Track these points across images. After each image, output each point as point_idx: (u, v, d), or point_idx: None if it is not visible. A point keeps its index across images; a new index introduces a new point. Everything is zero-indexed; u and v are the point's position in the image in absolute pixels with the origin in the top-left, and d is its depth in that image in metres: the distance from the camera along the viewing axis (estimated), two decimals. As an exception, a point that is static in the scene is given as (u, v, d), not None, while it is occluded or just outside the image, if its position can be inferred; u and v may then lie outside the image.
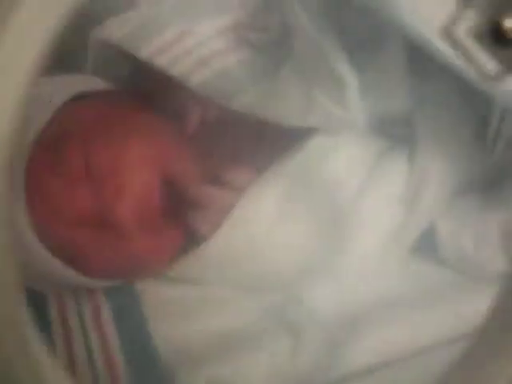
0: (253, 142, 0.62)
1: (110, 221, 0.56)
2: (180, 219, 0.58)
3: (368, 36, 0.56)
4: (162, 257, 0.60)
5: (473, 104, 0.56)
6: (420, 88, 0.58)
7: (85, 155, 0.57)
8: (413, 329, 0.58)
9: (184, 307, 0.61)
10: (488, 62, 0.40)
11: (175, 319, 0.60)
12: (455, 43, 0.40)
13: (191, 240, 0.60)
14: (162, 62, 0.59)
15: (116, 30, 0.62)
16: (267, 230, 0.59)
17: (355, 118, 0.58)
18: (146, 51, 0.59)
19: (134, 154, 0.58)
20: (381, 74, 0.57)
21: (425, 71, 0.56)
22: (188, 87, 0.58)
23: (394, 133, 0.62)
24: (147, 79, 0.62)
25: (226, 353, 0.58)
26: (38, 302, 0.60)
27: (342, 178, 0.61)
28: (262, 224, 0.59)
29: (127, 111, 0.62)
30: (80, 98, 0.61)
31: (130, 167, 0.58)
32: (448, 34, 0.40)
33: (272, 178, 0.60)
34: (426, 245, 0.62)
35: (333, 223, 0.60)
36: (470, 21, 0.39)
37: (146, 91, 0.62)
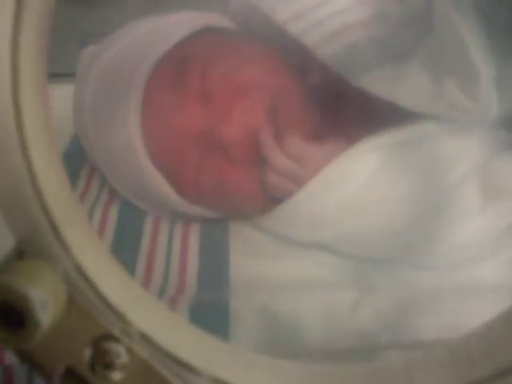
0: (362, 112, 0.61)
1: (217, 141, 0.57)
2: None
3: None
4: (254, 196, 0.61)
5: None
6: None
7: (202, 74, 0.58)
8: None
9: (264, 250, 0.62)
10: None
11: (253, 258, 0.61)
12: None
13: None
14: (293, 29, 0.58)
15: None
16: (357, 192, 0.56)
17: (485, 111, 0.53)
18: (281, 15, 0.59)
19: (246, 76, 0.59)
20: None
21: None
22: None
23: None
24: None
25: (286, 291, 0.57)
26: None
27: (453, 161, 0.57)
28: (351, 186, 0.57)
29: (245, 44, 0.63)
30: (206, 31, 0.63)
31: (241, 88, 0.58)
32: None
33: (371, 145, 0.57)
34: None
35: (431, 205, 0.56)
36: None
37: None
